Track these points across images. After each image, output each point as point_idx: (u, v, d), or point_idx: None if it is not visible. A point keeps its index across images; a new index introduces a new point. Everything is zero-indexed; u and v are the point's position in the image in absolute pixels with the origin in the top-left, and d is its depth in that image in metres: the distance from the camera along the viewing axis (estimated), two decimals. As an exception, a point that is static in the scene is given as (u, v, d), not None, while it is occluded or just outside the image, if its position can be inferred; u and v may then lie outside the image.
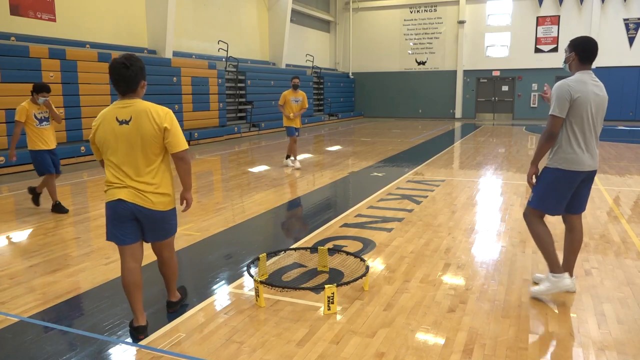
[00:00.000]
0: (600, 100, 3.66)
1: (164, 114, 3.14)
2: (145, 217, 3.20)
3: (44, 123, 6.68)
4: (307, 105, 10.60)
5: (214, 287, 4.23)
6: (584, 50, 3.69)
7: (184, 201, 3.43)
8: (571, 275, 3.96)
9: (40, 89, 6.54)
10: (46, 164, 6.68)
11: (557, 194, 3.75)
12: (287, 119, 10.46)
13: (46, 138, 6.69)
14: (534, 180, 3.90)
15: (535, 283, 4.11)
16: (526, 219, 3.97)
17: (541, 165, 3.87)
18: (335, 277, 4.32)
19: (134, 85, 3.13)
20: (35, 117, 6.56)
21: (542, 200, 3.83)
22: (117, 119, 3.11)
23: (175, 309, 3.70)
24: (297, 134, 10.60)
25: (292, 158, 10.75)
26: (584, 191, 3.85)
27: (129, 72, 3.07)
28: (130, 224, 3.20)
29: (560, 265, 3.85)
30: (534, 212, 3.90)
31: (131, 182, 3.14)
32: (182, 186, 3.41)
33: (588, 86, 3.62)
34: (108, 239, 3.26)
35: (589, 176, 3.76)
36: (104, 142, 3.16)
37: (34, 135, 6.57)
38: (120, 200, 3.13)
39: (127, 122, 3.09)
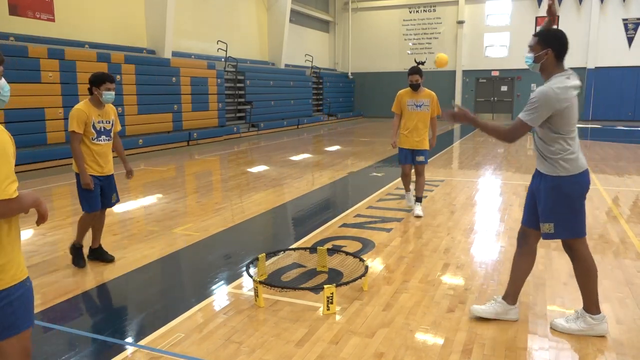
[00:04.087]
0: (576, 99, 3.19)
1: None
2: None
3: (103, 137, 4.56)
4: (439, 112, 6.38)
5: (213, 287, 4.23)
6: (561, 45, 3.15)
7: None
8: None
9: (103, 78, 4.42)
10: (92, 197, 4.62)
11: (582, 205, 3.24)
12: (401, 136, 6.62)
13: (101, 159, 4.59)
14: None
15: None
16: (577, 254, 3.30)
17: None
18: (335, 277, 4.32)
19: None
20: (94, 127, 4.47)
21: (577, 224, 3.24)
22: None
23: None
24: (423, 159, 6.53)
25: (411, 196, 6.90)
26: None
27: None
28: None
29: (599, 306, 3.35)
30: (581, 242, 3.28)
31: None
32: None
33: (571, 91, 3.10)
34: None
35: None
36: None
37: (85, 154, 4.52)
38: None
39: None
